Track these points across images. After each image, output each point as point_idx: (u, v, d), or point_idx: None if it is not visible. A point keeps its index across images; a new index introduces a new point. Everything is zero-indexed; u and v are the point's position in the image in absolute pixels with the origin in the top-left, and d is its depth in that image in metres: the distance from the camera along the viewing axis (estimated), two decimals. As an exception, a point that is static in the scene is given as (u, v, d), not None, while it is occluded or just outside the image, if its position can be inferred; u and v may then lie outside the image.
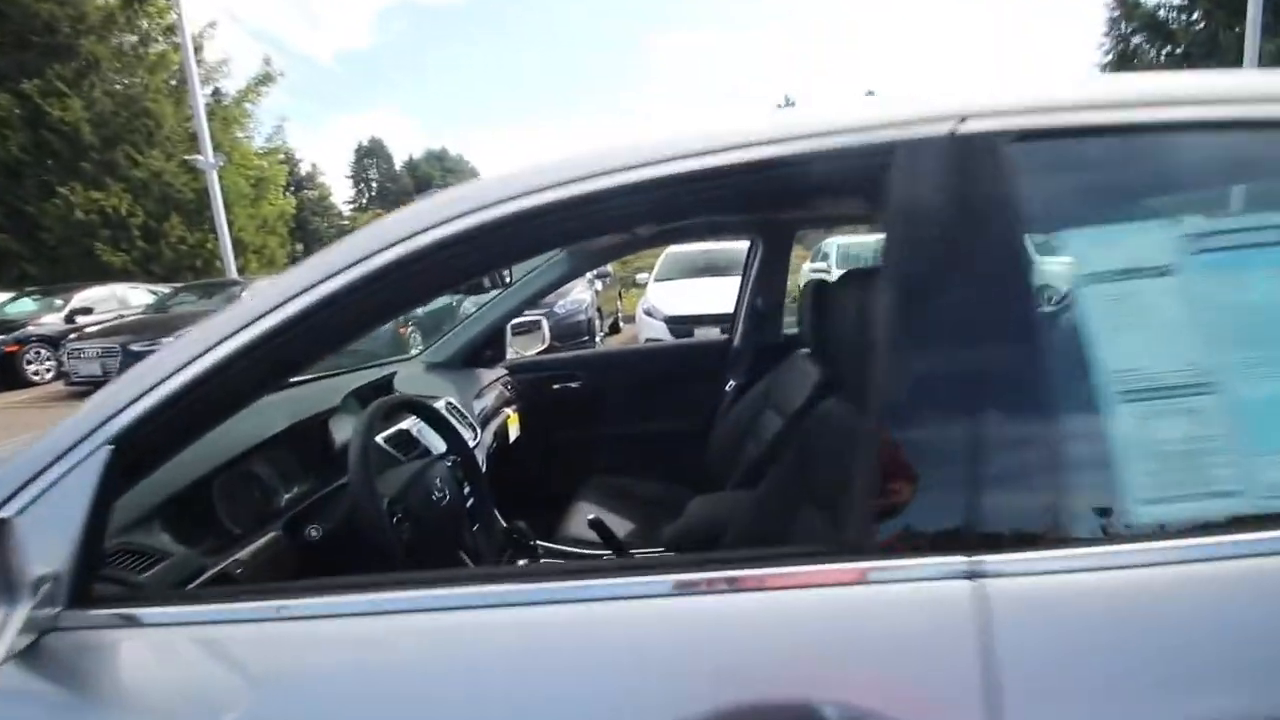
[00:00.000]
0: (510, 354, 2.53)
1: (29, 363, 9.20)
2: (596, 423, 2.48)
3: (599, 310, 8.67)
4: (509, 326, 2.47)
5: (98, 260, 14.16)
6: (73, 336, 8.62)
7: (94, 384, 8.24)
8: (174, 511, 0.99)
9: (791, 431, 1.66)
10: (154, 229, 15.24)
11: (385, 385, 1.76)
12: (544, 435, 2.47)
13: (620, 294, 11.68)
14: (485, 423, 2.01)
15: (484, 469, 1.76)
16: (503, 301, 2.29)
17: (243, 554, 0.98)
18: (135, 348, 8.41)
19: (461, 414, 1.79)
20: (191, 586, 0.87)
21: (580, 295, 7.89)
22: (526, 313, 2.52)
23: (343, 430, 1.44)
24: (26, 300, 10.60)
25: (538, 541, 1.75)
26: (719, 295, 6.73)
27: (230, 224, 13.17)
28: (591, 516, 1.47)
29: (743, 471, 1.71)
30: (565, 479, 2.40)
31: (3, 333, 9.22)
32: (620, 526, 1.96)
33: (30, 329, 9.46)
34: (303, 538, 0.99)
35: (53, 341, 9.21)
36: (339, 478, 1.31)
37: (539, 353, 2.55)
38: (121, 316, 9.90)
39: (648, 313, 7.12)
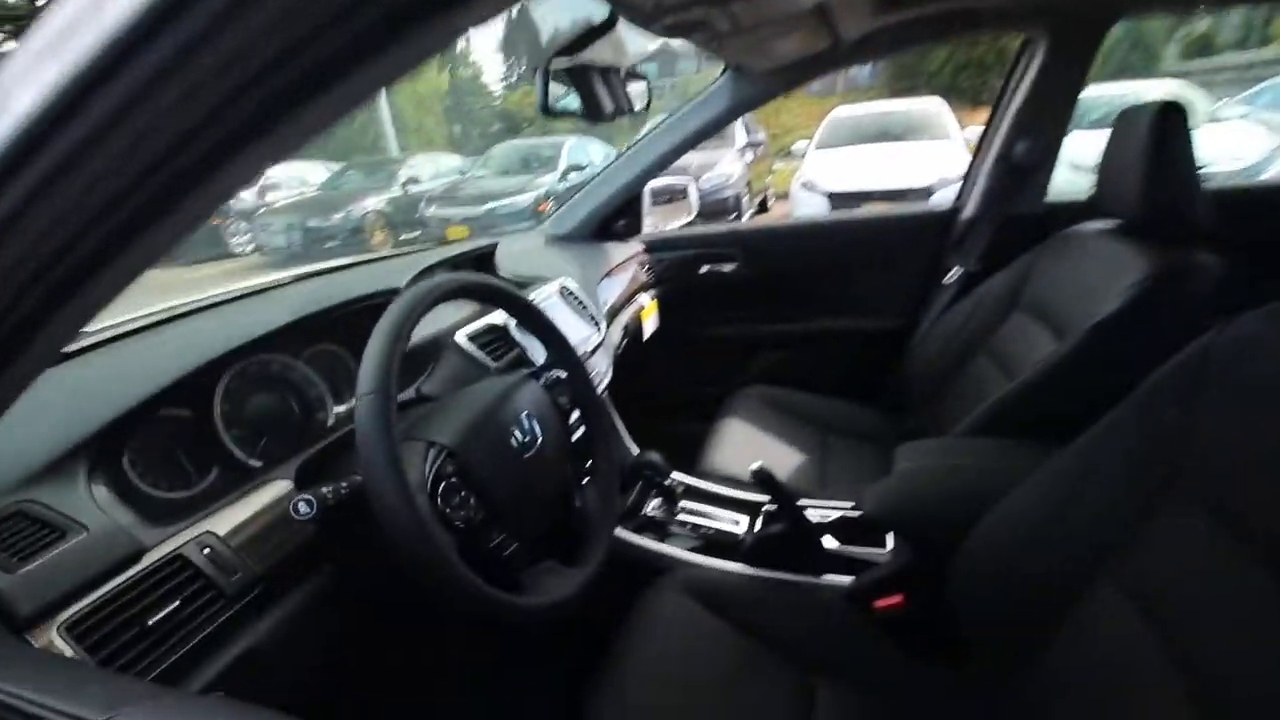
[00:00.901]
0: (648, 226, 2.01)
1: (231, 235, 10.31)
2: (756, 316, 1.94)
3: (749, 185, 7.75)
4: (647, 190, 1.94)
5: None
6: (262, 211, 9.47)
7: (281, 255, 9.14)
8: (117, 448, 0.64)
9: (1089, 357, 1.01)
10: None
11: (481, 260, 1.34)
12: (687, 331, 1.99)
13: (772, 168, 10.49)
14: (615, 314, 1.55)
15: (608, 377, 1.32)
16: (639, 155, 1.73)
17: (218, 527, 0.62)
18: (311, 224, 9.12)
19: (581, 303, 1.34)
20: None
21: (728, 168, 7.01)
22: (669, 175, 1.95)
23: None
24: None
25: (676, 477, 1.32)
26: (895, 166, 5.60)
27: (389, 103, 13.49)
28: (757, 466, 0.98)
29: (990, 410, 1.12)
30: (713, 388, 1.93)
31: (211, 208, 10.34)
32: (784, 457, 1.47)
33: (230, 204, 10.53)
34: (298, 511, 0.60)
35: (248, 215, 10.20)
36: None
37: (684, 225, 2.01)
38: (302, 194, 10.70)
39: (805, 187, 6.12)
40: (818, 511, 1.21)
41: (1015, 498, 0.82)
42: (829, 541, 1.12)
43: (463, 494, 0.62)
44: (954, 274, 1.64)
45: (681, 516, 1.22)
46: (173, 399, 0.75)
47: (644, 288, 1.80)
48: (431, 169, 10.74)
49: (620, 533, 1.12)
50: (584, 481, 0.85)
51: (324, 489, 0.57)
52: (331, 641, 0.67)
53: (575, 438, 0.96)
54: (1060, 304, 1.25)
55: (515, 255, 1.63)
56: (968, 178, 1.76)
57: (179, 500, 0.70)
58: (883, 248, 1.80)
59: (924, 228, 1.76)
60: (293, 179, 11.45)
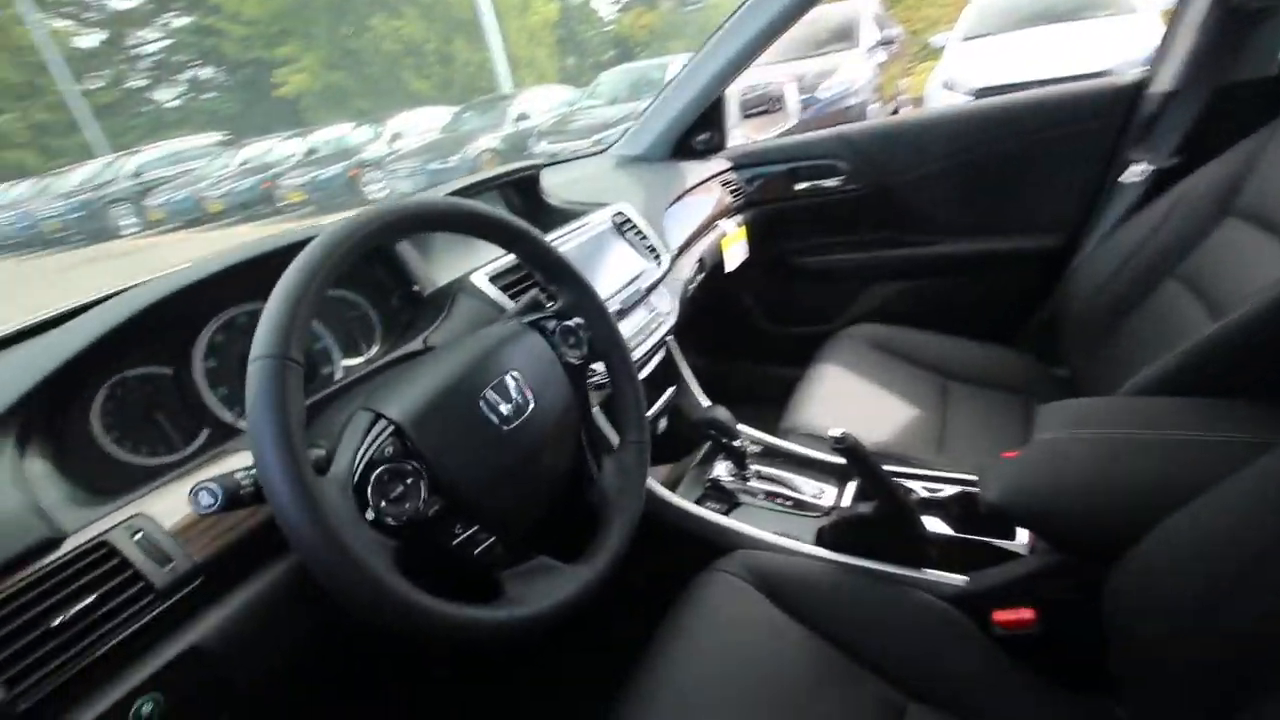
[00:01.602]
0: (736, 140, 1.74)
1: (366, 184, 11.01)
2: (866, 240, 1.63)
3: (878, 91, 6.83)
4: (733, 98, 1.66)
5: (408, 88, 16.02)
6: (391, 158, 9.98)
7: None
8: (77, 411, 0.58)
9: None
10: (445, 52, 16.52)
11: (523, 185, 1.18)
12: (782, 261, 1.72)
13: (908, 69, 9.19)
14: (689, 244, 1.34)
15: (673, 318, 1.14)
16: (715, 55, 1.44)
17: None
18: (431, 166, 9.48)
19: (639, 233, 1.15)
20: None
21: (852, 72, 6.20)
22: (760, 79, 1.65)
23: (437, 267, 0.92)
24: (365, 128, 12.50)
25: (750, 435, 1.13)
26: (1062, 51, 4.60)
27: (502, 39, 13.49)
28: (839, 433, 0.77)
29: (1182, 359, 0.80)
30: (813, 328, 1.68)
31: (347, 159, 11.06)
32: (891, 412, 1.22)
33: (364, 155, 11.18)
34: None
35: (379, 164, 10.80)
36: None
37: (781, 134, 1.71)
38: (425, 139, 11.12)
39: (946, 86, 5.25)
40: (927, 485, 0.98)
41: (1217, 497, 0.55)
42: (936, 525, 0.89)
43: (409, 481, 0.49)
44: (1137, 171, 1.24)
45: (753, 484, 1.03)
46: (149, 356, 0.68)
47: (728, 212, 1.55)
48: (544, 103, 10.67)
49: (677, 501, 0.96)
50: (606, 454, 0.69)
51: (238, 473, 0.46)
52: (298, 642, 0.58)
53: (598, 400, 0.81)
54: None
55: (577, 181, 1.45)
56: (1165, 41, 1.30)
57: (157, 466, 0.64)
58: (1037, 140, 1.40)
59: (1096, 110, 1.33)
60: (418, 126, 11.92)
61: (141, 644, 0.50)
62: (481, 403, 0.56)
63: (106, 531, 0.51)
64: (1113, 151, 1.31)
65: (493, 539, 0.54)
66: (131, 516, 0.53)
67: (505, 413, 0.57)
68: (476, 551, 0.53)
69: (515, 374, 0.59)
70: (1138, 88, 1.29)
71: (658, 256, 1.14)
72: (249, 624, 0.55)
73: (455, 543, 0.52)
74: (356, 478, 0.47)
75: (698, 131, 1.65)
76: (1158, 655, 0.57)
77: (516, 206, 1.19)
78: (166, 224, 11.18)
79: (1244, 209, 1.01)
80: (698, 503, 1.00)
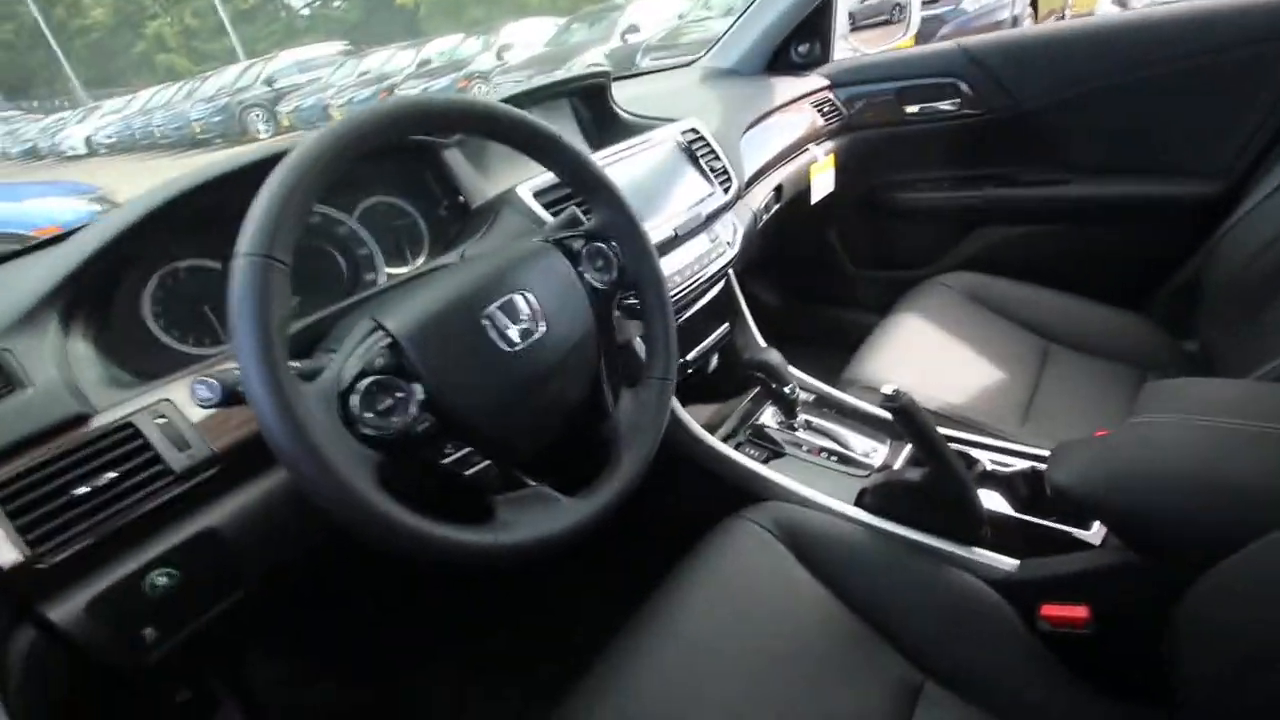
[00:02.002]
0: (844, 52, 1.55)
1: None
2: (980, 177, 1.44)
3: (1033, 5, 5.92)
4: (843, 6, 1.47)
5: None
6: (496, 71, 9.95)
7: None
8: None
9: None
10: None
11: (589, 93, 1.11)
12: (877, 194, 1.56)
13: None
14: (766, 170, 1.23)
15: (735, 249, 1.06)
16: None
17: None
18: (538, 80, 9.38)
19: (712, 152, 1.05)
20: None
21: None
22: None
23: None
24: (473, 41, 12.47)
25: (803, 381, 1.06)
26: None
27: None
28: (891, 389, 0.69)
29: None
30: (906, 272, 1.53)
31: (457, 70, 11.13)
32: (971, 372, 1.10)
33: (473, 67, 11.21)
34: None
35: (485, 76, 10.80)
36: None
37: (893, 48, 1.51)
38: (532, 52, 10.96)
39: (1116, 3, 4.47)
40: (997, 458, 0.88)
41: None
42: (997, 503, 0.80)
43: (399, 395, 0.48)
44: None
45: (800, 434, 0.97)
46: (201, 248, 0.70)
47: (819, 136, 1.41)
48: (654, 16, 10.14)
49: (711, 442, 0.92)
50: (627, 388, 0.65)
51: (234, 366, 0.47)
52: (307, 542, 0.60)
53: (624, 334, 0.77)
54: None
55: (656, 94, 1.36)
56: None
57: (197, 355, 0.67)
58: (1206, 64, 1.14)
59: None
60: (526, 38, 11.74)
61: (159, 521, 0.53)
62: (485, 322, 0.53)
63: (133, 414, 0.54)
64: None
65: (487, 463, 0.53)
66: (158, 401, 0.55)
67: (512, 335, 0.54)
68: (469, 473, 0.52)
69: (527, 295, 0.56)
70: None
71: (728, 180, 1.05)
72: (263, 516, 0.58)
73: (446, 462, 0.51)
74: (344, 386, 0.46)
75: (797, 42, 1.49)
76: (1233, 687, 0.48)
77: (584, 118, 1.13)
78: (296, 129, 11.87)
79: None
80: (737, 448, 0.95)
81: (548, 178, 0.86)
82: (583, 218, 0.69)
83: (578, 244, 0.63)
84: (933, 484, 0.74)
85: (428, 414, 0.49)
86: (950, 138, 1.42)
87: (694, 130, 1.06)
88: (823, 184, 1.40)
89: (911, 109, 1.43)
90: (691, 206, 0.96)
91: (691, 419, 0.94)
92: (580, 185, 0.64)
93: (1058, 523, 0.76)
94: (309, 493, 0.43)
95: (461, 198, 0.85)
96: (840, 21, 1.48)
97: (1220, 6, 1.14)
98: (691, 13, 9.40)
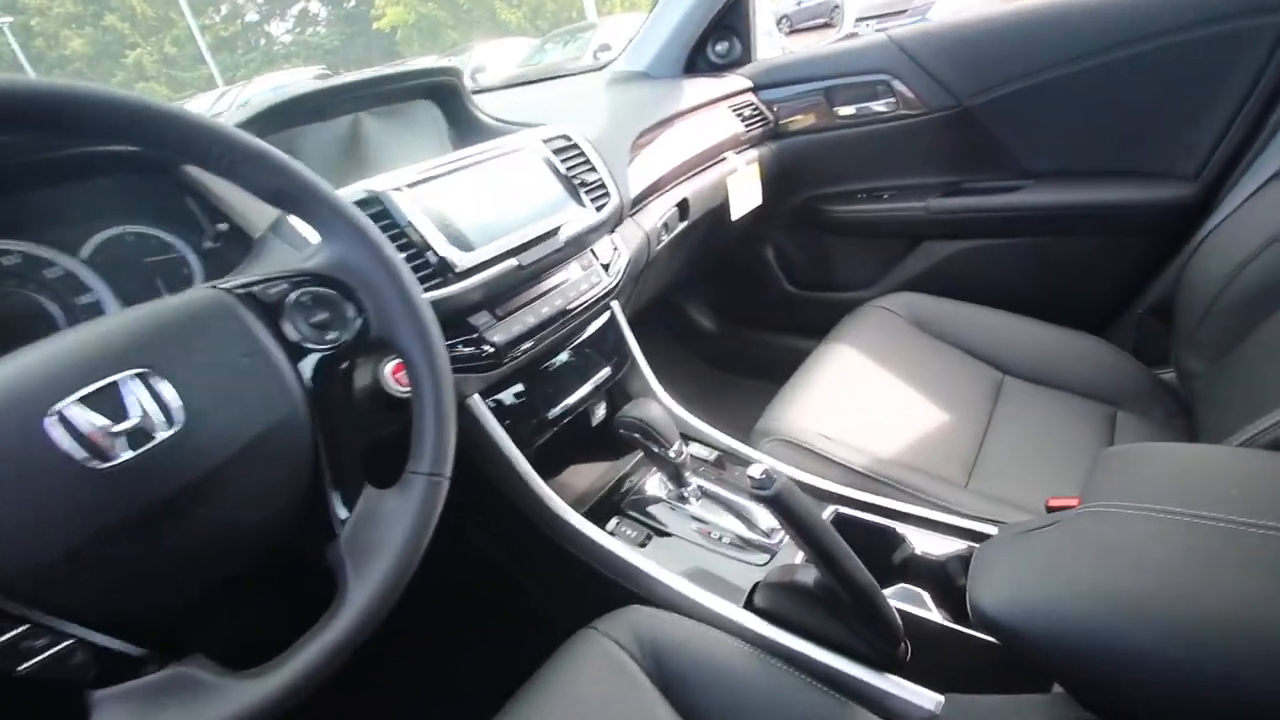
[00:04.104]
0: (770, 51, 1.39)
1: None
2: (922, 187, 1.27)
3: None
4: (766, 5, 1.31)
5: (498, 18, 15.73)
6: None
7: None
8: None
9: None
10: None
11: (438, 91, 0.93)
12: (808, 207, 1.38)
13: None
14: (663, 184, 1.05)
15: (615, 279, 0.88)
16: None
17: None
18: (366, 73, 9.24)
19: (586, 163, 0.88)
20: None
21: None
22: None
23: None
24: (447, 63, 12.41)
25: (705, 438, 0.88)
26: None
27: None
28: (759, 472, 0.51)
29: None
30: (843, 294, 1.36)
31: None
32: (899, 421, 0.92)
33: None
34: None
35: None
36: None
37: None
38: (505, 72, 10.91)
39: None
40: (927, 535, 0.69)
41: None
42: (918, 603, 0.61)
43: None
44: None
45: (693, 506, 0.78)
46: None
47: (739, 144, 1.24)
48: (626, 34, 10.10)
49: (575, 523, 0.73)
50: (377, 491, 0.46)
51: None
52: None
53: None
54: None
55: (550, 100, 1.19)
56: None
57: None
58: (1175, 46, 0.97)
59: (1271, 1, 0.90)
60: (500, 58, 11.68)
61: None
62: (54, 426, 0.34)
63: None
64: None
65: (70, 643, 0.34)
66: None
67: (104, 444, 0.35)
68: (30, 664, 0.33)
69: (152, 378, 0.37)
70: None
71: (604, 196, 0.87)
72: None
73: None
74: None
75: (715, 40, 1.32)
76: None
77: (439, 124, 0.95)
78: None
79: None
80: (615, 527, 0.77)
81: (358, 189, 0.67)
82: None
83: (276, 292, 0.44)
84: (827, 593, 0.56)
85: None
86: (888, 142, 1.25)
87: (564, 137, 0.89)
88: (746, 197, 1.23)
89: (843, 111, 1.27)
90: (547, 228, 0.78)
91: (550, 492, 0.76)
92: (292, 204, 0.46)
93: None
94: None
95: (223, 225, 0.66)
96: (761, 17, 1.32)
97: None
98: (663, 29, 9.36)
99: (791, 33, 1.31)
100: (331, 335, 0.46)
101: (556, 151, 0.86)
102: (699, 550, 0.73)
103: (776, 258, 1.48)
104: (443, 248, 0.67)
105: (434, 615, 1.02)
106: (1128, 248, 1.08)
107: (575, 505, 0.78)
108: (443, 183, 0.72)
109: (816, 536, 0.52)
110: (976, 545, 0.66)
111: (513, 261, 0.72)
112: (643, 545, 0.74)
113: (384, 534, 0.45)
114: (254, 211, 0.68)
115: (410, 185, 0.69)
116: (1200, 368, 0.88)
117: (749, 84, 1.29)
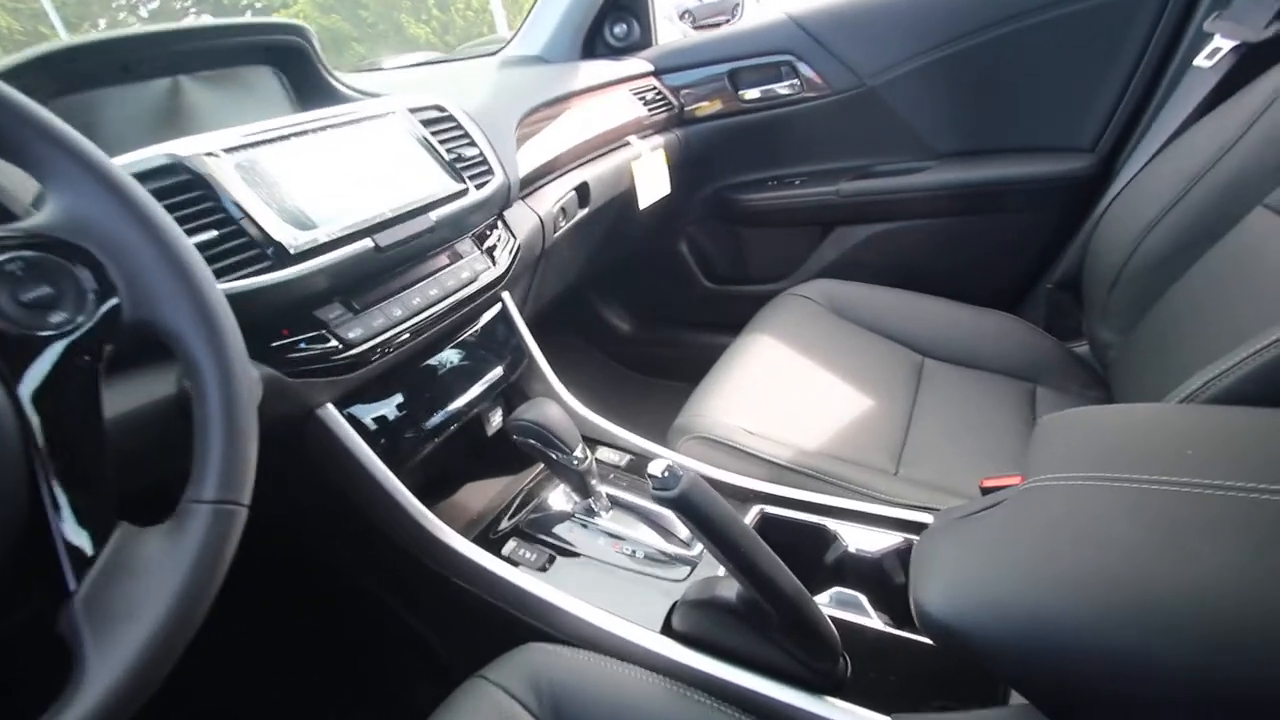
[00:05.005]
0: (670, 35, 1.33)
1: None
2: (826, 168, 1.24)
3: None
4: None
5: (405, 33, 15.30)
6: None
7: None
8: None
9: None
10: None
11: (287, 54, 0.79)
12: (719, 197, 1.33)
13: None
14: (558, 166, 0.96)
15: (499, 268, 0.77)
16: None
17: None
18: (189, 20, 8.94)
19: (464, 136, 0.77)
20: None
21: None
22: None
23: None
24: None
25: (617, 441, 0.78)
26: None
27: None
28: (661, 469, 0.41)
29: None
30: (757, 285, 1.31)
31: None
32: (823, 411, 0.86)
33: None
34: None
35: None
36: None
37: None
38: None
39: None
40: (860, 529, 0.62)
41: None
42: (854, 609, 0.54)
43: None
44: (1216, 51, 0.83)
45: (603, 520, 0.68)
46: None
47: (642, 129, 1.16)
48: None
49: (461, 548, 0.62)
50: (137, 524, 0.33)
51: None
52: None
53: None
54: None
55: (433, 81, 1.08)
56: None
57: None
58: (1072, 14, 0.97)
59: None
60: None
61: None
62: None
63: None
64: (1180, 24, 0.89)
65: None
66: None
67: None
68: None
69: None
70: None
71: (487, 174, 0.77)
72: None
73: None
74: None
75: (612, 22, 1.25)
76: None
77: (282, 95, 0.81)
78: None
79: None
80: (515, 550, 0.66)
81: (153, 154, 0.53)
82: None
83: None
84: (751, 608, 0.47)
85: None
86: (796, 127, 1.22)
87: (437, 108, 0.78)
88: (653, 185, 1.16)
89: (749, 95, 1.22)
90: (412, 204, 0.66)
91: (430, 516, 0.64)
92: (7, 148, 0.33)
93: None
94: None
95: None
96: (658, 5, 1.26)
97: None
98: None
99: (696, 28, 1.29)
100: (58, 318, 0.33)
101: (428, 123, 0.75)
102: (610, 570, 0.63)
103: (691, 253, 1.41)
104: (273, 226, 0.55)
105: (314, 667, 0.87)
106: (1034, 223, 1.08)
107: (466, 530, 0.66)
108: (275, 149, 0.59)
109: (733, 543, 0.43)
110: (914, 537, 0.60)
111: (367, 242, 0.61)
112: (544, 570, 0.64)
113: (143, 588, 0.32)
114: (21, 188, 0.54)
115: (229, 150, 0.56)
116: (1113, 338, 0.87)
117: (650, 67, 1.22)
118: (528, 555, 0.65)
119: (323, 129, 0.64)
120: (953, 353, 0.98)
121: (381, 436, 0.66)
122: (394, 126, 0.71)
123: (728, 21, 1.35)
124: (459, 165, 0.74)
